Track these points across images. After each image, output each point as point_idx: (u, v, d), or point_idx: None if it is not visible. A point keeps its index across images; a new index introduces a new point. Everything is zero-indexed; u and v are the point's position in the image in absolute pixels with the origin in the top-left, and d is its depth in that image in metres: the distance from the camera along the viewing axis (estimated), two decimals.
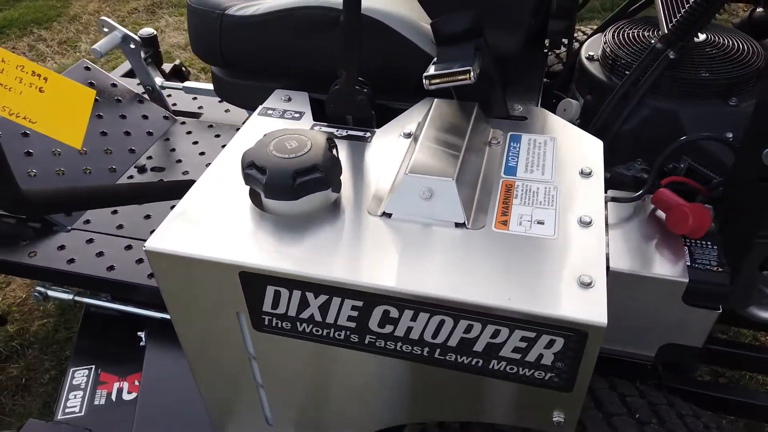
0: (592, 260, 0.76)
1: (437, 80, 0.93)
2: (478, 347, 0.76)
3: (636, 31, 1.30)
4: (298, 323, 0.82)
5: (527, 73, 1.41)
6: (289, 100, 1.11)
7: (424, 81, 0.93)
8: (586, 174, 0.91)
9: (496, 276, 0.75)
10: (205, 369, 0.98)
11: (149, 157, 1.96)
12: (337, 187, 0.89)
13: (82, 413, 1.53)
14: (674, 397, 1.09)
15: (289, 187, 0.81)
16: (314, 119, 1.06)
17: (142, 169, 1.90)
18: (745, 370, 1.70)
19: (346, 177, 0.92)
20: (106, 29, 2.03)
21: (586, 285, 0.73)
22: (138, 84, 2.17)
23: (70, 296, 1.68)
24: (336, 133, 1.02)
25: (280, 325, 0.84)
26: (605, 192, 1.06)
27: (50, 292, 1.70)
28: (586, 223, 0.82)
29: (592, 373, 0.75)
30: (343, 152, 0.98)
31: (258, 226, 0.84)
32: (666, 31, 1.12)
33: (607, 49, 1.28)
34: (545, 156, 0.95)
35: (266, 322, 0.84)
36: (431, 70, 0.93)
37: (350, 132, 1.02)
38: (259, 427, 1.03)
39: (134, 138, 1.99)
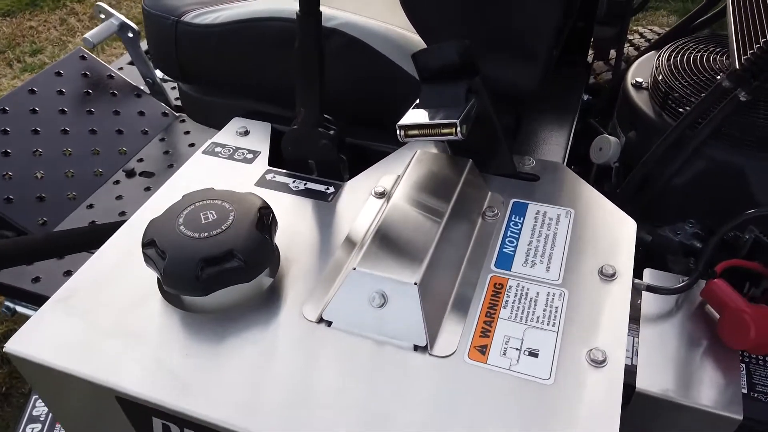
0: (601, 423, 0.53)
1: (414, 132, 0.69)
2: None
3: (698, 55, 1.03)
4: None
5: (557, 97, 1.15)
6: (246, 133, 0.90)
7: (398, 132, 0.69)
8: (607, 276, 0.66)
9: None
10: None
11: (140, 160, 1.78)
12: (272, 272, 0.68)
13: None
14: None
15: (192, 279, 0.60)
16: (271, 161, 0.85)
17: (130, 173, 1.73)
18: None
19: (290, 252, 0.71)
20: (102, 15, 1.85)
21: None
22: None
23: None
24: (291, 186, 0.80)
25: None
26: (638, 277, 0.81)
27: (18, 308, 1.56)
28: (598, 362, 0.58)
29: None
30: (294, 214, 0.76)
31: (157, 328, 0.63)
32: (737, 66, 0.84)
33: (659, 77, 1.02)
34: (555, 240, 0.70)
35: None
36: (407, 117, 0.70)
37: (309, 186, 0.80)
38: None
39: (127, 137, 1.81)
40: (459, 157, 0.77)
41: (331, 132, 0.80)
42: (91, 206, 1.62)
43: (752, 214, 0.82)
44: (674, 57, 1.03)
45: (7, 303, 1.56)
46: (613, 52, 1.51)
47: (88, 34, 1.77)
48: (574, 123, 1.15)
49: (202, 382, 0.58)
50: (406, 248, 0.63)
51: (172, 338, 0.62)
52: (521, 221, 0.73)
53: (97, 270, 0.69)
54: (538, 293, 0.64)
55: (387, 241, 0.65)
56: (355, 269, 0.61)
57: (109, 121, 1.80)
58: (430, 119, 0.68)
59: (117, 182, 1.71)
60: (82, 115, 1.78)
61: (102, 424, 0.65)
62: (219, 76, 1.00)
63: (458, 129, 0.67)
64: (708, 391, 0.72)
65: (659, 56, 1.06)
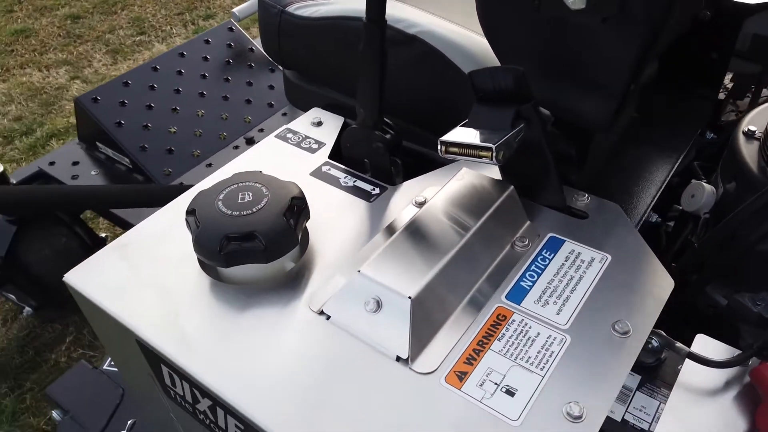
0: None
1: (455, 149, 0.69)
2: None
3: None
4: (196, 412, 0.69)
5: (670, 130, 1.08)
6: (320, 124, 0.95)
7: (438, 146, 0.70)
8: (619, 333, 0.62)
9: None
10: (145, 411, 0.89)
11: (261, 130, 1.92)
12: (295, 258, 0.73)
13: None
14: None
15: (216, 251, 0.66)
16: (333, 155, 0.89)
17: (249, 141, 1.87)
18: None
19: (319, 242, 0.75)
20: None
21: None
22: None
23: None
24: (342, 181, 0.84)
25: (183, 404, 0.71)
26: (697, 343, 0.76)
27: None
28: (574, 418, 0.56)
29: None
30: (335, 208, 0.80)
31: (185, 288, 0.71)
32: None
33: None
34: (578, 284, 0.68)
35: (172, 395, 0.72)
36: (451, 134, 0.70)
37: (357, 183, 0.83)
38: None
39: (254, 107, 1.96)
40: (503, 181, 0.76)
41: (387, 136, 0.82)
42: (209, 165, 1.78)
43: None
44: None
45: None
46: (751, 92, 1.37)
47: (236, 8, 1.93)
48: (678, 161, 1.08)
49: (206, 345, 0.64)
50: (417, 260, 0.65)
51: (195, 301, 0.69)
52: (551, 257, 0.71)
53: (153, 226, 0.78)
54: (539, 333, 0.63)
55: (401, 250, 0.66)
56: (359, 271, 0.64)
57: (241, 91, 1.96)
58: (470, 139, 0.68)
59: (236, 147, 1.86)
60: (220, 81, 1.95)
61: (129, 357, 0.74)
62: (313, 67, 1.06)
63: (494, 154, 0.66)
64: None
65: None
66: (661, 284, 0.67)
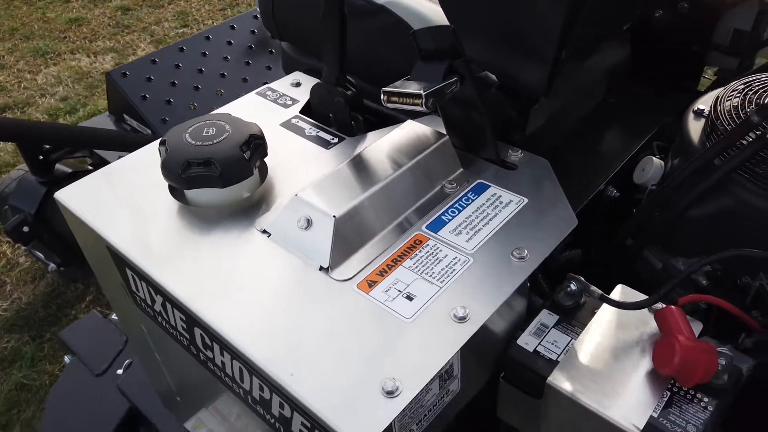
0: (422, 366, 0.60)
1: (394, 99, 0.78)
2: (275, 412, 0.66)
3: (762, 93, 0.96)
4: (155, 314, 0.80)
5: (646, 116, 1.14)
6: (298, 84, 1.05)
7: (381, 96, 0.79)
8: (518, 258, 0.70)
9: (305, 340, 0.63)
10: (125, 325, 1.01)
11: None
12: (254, 184, 0.83)
13: None
14: None
15: (178, 175, 0.77)
16: (304, 111, 0.99)
17: None
18: None
19: (276, 178, 0.85)
20: None
21: (388, 393, 0.58)
22: None
23: None
24: (306, 132, 0.94)
25: (147, 310, 0.82)
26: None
27: None
28: (458, 318, 0.64)
29: None
30: (295, 152, 0.90)
31: (150, 208, 0.82)
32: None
33: (715, 108, 0.97)
34: (492, 220, 0.76)
35: (138, 302, 0.83)
36: (393, 85, 0.80)
37: (320, 134, 0.93)
38: (171, 392, 1.05)
39: None
40: (440, 132, 0.85)
41: (348, 92, 0.92)
42: None
43: (732, 253, 0.78)
44: (737, 88, 0.98)
45: None
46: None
47: None
48: (642, 143, 1.13)
49: (164, 252, 0.75)
50: (348, 189, 0.74)
51: (160, 218, 0.80)
52: (474, 198, 0.79)
53: (136, 160, 0.90)
54: (446, 255, 0.71)
55: (337, 181, 0.76)
56: (296, 195, 0.74)
57: (260, 74, 2.09)
58: (406, 89, 0.77)
59: None
60: (241, 64, 2.09)
61: (105, 268, 0.85)
62: (304, 38, 1.16)
63: (423, 101, 0.75)
64: (617, 403, 0.73)
65: (728, 87, 1.01)
66: (565, 223, 0.74)
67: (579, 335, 0.80)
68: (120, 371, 1.51)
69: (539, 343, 0.80)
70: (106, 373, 1.57)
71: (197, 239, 0.76)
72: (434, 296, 0.66)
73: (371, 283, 0.68)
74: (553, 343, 0.80)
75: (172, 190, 0.84)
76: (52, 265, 2.05)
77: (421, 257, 0.71)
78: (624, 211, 1.15)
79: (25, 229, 1.95)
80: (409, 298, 0.66)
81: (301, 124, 0.96)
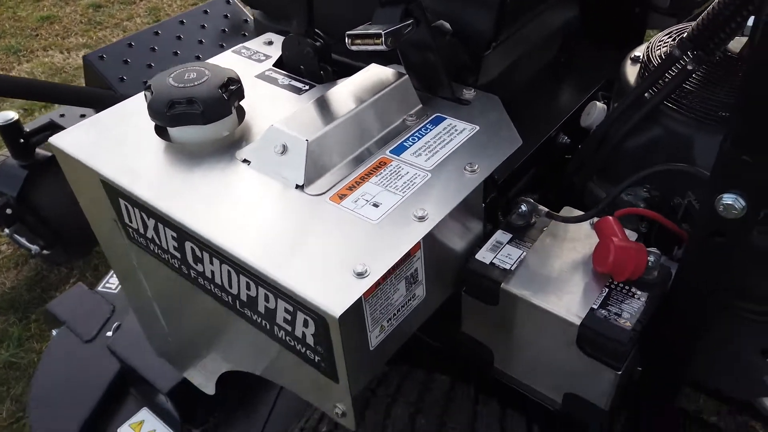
0: (386, 252, 0.69)
1: (358, 41, 0.88)
2: (260, 308, 0.74)
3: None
4: (147, 242, 0.88)
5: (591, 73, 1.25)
6: (270, 43, 1.14)
7: (346, 39, 0.89)
8: (470, 171, 0.80)
9: (285, 241, 0.72)
10: (118, 273, 1.09)
11: None
12: (233, 124, 0.91)
13: (116, 291, 1.78)
14: None
15: (163, 114, 0.85)
16: (277, 65, 1.08)
17: None
18: None
19: (256, 118, 0.94)
20: None
21: (359, 274, 0.67)
22: None
23: None
24: (280, 81, 1.03)
25: (139, 241, 0.90)
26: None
27: None
28: (418, 218, 0.73)
29: (354, 367, 0.69)
30: (270, 97, 0.99)
31: (139, 146, 0.90)
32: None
33: (649, 52, 1.08)
34: (448, 144, 0.85)
35: (131, 235, 0.91)
36: (356, 29, 0.89)
37: (292, 82, 1.02)
38: (164, 335, 1.12)
39: None
40: (400, 72, 0.94)
41: (317, 43, 1.01)
42: None
43: (662, 167, 0.89)
44: (668, 35, 1.09)
45: None
46: None
47: None
48: (590, 95, 1.24)
49: (153, 179, 0.83)
50: (318, 120, 0.83)
51: (148, 152, 0.88)
52: (432, 128, 0.89)
53: (122, 109, 0.98)
54: (408, 172, 0.81)
55: (309, 113, 0.85)
56: (272, 126, 0.82)
57: None
58: (366, 30, 0.86)
59: None
60: (215, 47, 2.16)
61: (97, 205, 0.93)
62: (274, 4, 1.24)
63: (383, 39, 0.84)
64: (562, 299, 0.83)
65: (660, 34, 1.12)
66: (510, 143, 0.84)
67: (530, 249, 0.90)
68: (110, 333, 1.58)
69: (495, 257, 0.90)
70: (95, 339, 1.63)
71: (184, 169, 0.84)
72: (397, 203, 0.76)
73: (342, 196, 0.78)
74: (507, 256, 0.90)
75: (158, 130, 0.92)
76: (35, 248, 2.10)
77: (385, 175, 0.80)
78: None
79: (8, 211, 2.00)
80: (375, 205, 0.76)
81: (275, 75, 1.04)
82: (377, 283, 0.67)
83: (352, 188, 0.79)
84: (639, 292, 0.83)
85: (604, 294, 0.84)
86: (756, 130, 0.64)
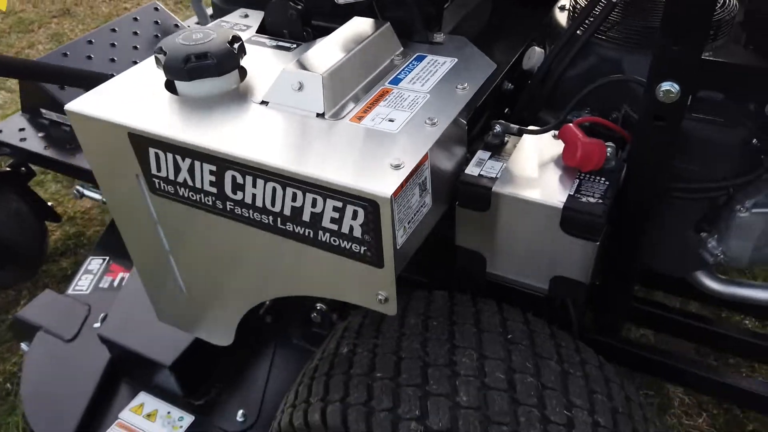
0: (413, 149, 0.83)
1: None
2: (305, 216, 0.85)
3: None
4: (177, 187, 0.96)
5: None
6: (246, 16, 1.24)
7: None
8: (461, 89, 0.96)
9: (325, 153, 0.84)
10: (130, 236, 1.14)
11: None
12: (238, 79, 1.01)
13: (88, 292, 1.78)
14: (562, 332, 1.11)
15: (181, 69, 0.94)
16: (260, 31, 1.19)
17: None
18: (669, 333, 1.58)
19: (255, 75, 1.04)
20: None
21: (395, 167, 0.80)
22: None
23: (101, 197, 1.94)
24: (267, 44, 1.14)
25: (166, 189, 0.97)
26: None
27: (86, 191, 1.97)
28: (431, 123, 0.88)
29: (402, 252, 0.82)
30: (265, 57, 1.09)
31: (158, 102, 0.98)
32: None
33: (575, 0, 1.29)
34: (436, 73, 1.00)
35: (158, 186, 0.98)
36: None
37: (279, 44, 1.13)
38: (176, 295, 1.18)
39: None
40: (381, 21, 1.08)
41: (299, 6, 1.13)
42: None
43: (604, 80, 1.09)
44: None
45: (77, 187, 1.98)
46: None
47: None
48: (527, 43, 1.43)
49: (183, 123, 0.91)
50: (324, 60, 0.95)
51: (170, 106, 0.96)
52: (418, 63, 1.03)
53: (127, 78, 1.05)
54: (410, 95, 0.95)
55: (313, 57, 0.97)
56: (285, 68, 0.94)
57: None
58: None
59: None
60: (150, 52, 2.19)
61: (119, 166, 0.99)
62: None
63: None
64: (545, 192, 1.00)
65: None
66: (488, 66, 1.01)
67: (508, 160, 1.07)
68: (97, 324, 1.59)
69: (481, 170, 1.05)
70: (77, 337, 1.63)
71: (208, 115, 0.94)
72: (409, 118, 0.90)
73: (360, 118, 0.90)
74: (491, 168, 1.06)
75: (171, 89, 1.00)
76: None
77: (391, 99, 0.94)
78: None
79: None
80: (391, 120, 0.89)
81: (261, 40, 1.15)
82: (407, 178, 0.80)
83: (366, 111, 0.92)
84: (602, 179, 1.01)
85: (577, 183, 1.01)
86: (676, 17, 0.84)
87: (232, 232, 0.96)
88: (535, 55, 1.33)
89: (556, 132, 1.08)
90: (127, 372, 1.56)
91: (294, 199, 0.84)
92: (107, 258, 1.88)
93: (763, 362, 1.45)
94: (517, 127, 1.10)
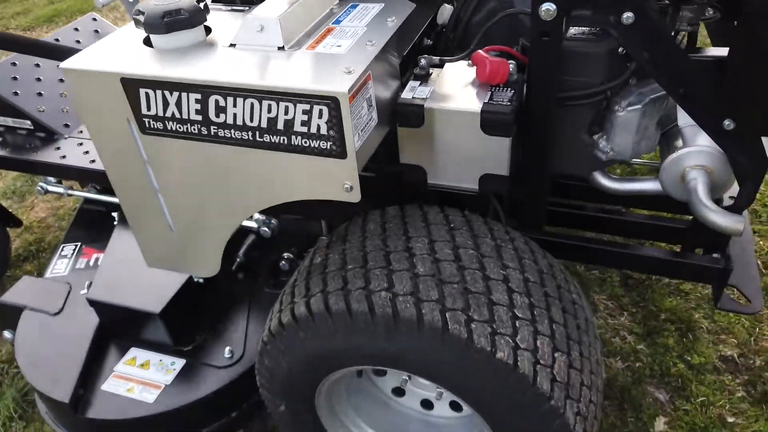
0: (360, 60, 1.06)
1: None
2: (280, 125, 1.07)
3: None
4: (166, 122, 1.15)
5: None
6: None
7: None
8: (390, 20, 1.20)
9: (291, 70, 1.06)
10: (120, 183, 1.31)
11: None
12: (204, 33, 1.22)
13: (66, 273, 1.90)
14: (495, 223, 1.36)
15: (159, 24, 1.14)
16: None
17: None
18: (582, 228, 1.83)
19: (218, 30, 1.25)
20: None
21: (348, 72, 1.03)
22: None
23: (63, 190, 2.07)
24: (223, 9, 1.35)
25: (155, 126, 1.16)
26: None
27: (49, 187, 2.09)
28: (371, 44, 1.11)
29: (360, 153, 1.05)
30: (224, 18, 1.30)
31: (142, 54, 1.17)
32: None
33: None
34: (369, 14, 1.25)
35: (148, 125, 1.17)
36: None
37: (233, 8, 1.35)
38: (165, 234, 1.36)
39: None
40: None
41: None
42: None
43: (505, 12, 1.36)
44: None
45: (41, 184, 2.10)
46: None
47: None
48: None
49: (168, 63, 1.11)
50: (280, 8, 1.17)
51: (155, 55, 1.16)
52: (353, 9, 1.27)
53: (113, 39, 1.24)
54: (351, 29, 1.19)
55: (270, 6, 1.19)
56: (247, 16, 1.15)
57: None
58: None
59: None
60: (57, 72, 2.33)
61: (108, 109, 1.17)
62: None
63: None
64: (465, 102, 1.25)
65: None
66: (409, 7, 1.26)
67: (434, 85, 1.32)
68: (84, 291, 1.72)
69: (413, 95, 1.30)
70: (63, 311, 1.76)
71: (185, 58, 1.14)
72: (353, 43, 1.13)
73: (313, 47, 1.13)
74: (421, 92, 1.30)
75: (149, 44, 1.19)
76: None
77: (336, 33, 1.17)
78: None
79: None
80: (339, 46, 1.12)
81: (217, 6, 1.36)
82: (358, 88, 1.03)
83: (317, 42, 1.15)
84: (509, 89, 1.28)
85: (490, 94, 1.27)
86: None
87: (217, 155, 1.15)
88: (446, 10, 1.60)
89: (471, 62, 1.34)
90: (116, 332, 1.70)
91: (269, 110, 1.05)
92: (79, 243, 2.00)
93: (660, 240, 1.75)
94: (439, 58, 1.36)
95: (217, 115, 1.10)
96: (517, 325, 1.15)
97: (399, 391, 1.59)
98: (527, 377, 1.11)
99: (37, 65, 2.21)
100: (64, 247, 2.00)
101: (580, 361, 1.21)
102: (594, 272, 2.20)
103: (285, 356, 1.31)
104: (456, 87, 1.31)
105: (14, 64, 2.17)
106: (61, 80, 2.21)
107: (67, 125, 2.11)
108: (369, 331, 1.17)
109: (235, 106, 1.08)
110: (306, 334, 1.24)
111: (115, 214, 1.95)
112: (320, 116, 1.03)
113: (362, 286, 1.19)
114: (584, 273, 2.20)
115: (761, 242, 2.24)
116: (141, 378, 1.60)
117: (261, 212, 1.78)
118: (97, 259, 1.93)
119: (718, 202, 1.37)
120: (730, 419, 1.72)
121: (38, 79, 2.17)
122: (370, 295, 1.17)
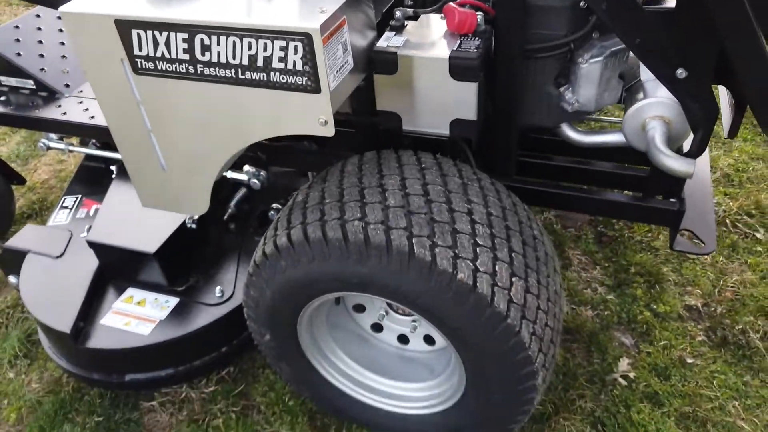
0: (333, 1, 1.16)
1: None
2: (260, 62, 1.17)
3: None
4: (156, 62, 1.25)
5: None
6: None
7: None
8: None
9: (269, 10, 1.16)
10: (116, 124, 1.42)
11: None
12: None
13: (67, 222, 2.01)
14: (464, 165, 1.46)
15: None
16: None
17: None
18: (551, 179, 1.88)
19: None
20: None
21: (321, 12, 1.13)
22: None
23: (65, 146, 2.17)
24: None
25: (147, 66, 1.26)
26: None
27: (51, 144, 2.19)
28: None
29: (335, 93, 1.15)
30: None
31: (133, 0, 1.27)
32: None
33: None
34: None
35: (140, 65, 1.27)
36: None
37: None
38: (158, 174, 1.47)
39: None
40: None
41: None
42: None
43: None
44: None
45: (43, 140, 2.20)
46: None
47: None
48: None
49: (153, 8, 1.21)
50: None
51: (140, 1, 1.26)
52: None
53: None
54: None
55: None
56: None
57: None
58: None
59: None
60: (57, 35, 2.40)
61: (105, 50, 1.27)
62: None
63: None
64: (436, 50, 1.35)
65: None
66: None
67: (408, 36, 1.42)
68: (84, 234, 1.83)
69: (387, 44, 1.40)
70: (64, 254, 1.87)
71: (172, 3, 1.24)
72: None
73: None
74: (396, 41, 1.40)
75: None
76: None
77: None
78: None
79: None
80: None
81: None
82: (332, 30, 1.13)
83: None
84: (476, 38, 1.38)
85: (458, 42, 1.37)
86: None
87: (203, 94, 1.26)
88: None
89: (443, 15, 1.44)
90: (114, 273, 1.81)
91: (250, 47, 1.16)
92: (80, 196, 2.11)
93: (623, 188, 1.85)
94: (413, 10, 1.45)
95: (203, 54, 1.20)
96: (478, 251, 1.25)
97: (377, 327, 1.70)
98: (485, 297, 1.21)
99: (39, 28, 2.31)
100: (65, 199, 2.11)
101: (537, 288, 1.32)
102: (570, 230, 2.31)
103: (269, 285, 1.42)
104: (428, 37, 1.41)
105: (17, 27, 2.27)
106: (62, 43, 2.31)
107: (67, 85, 2.21)
108: (343, 257, 1.28)
109: (218, 44, 1.18)
110: (287, 262, 1.35)
111: (113, 167, 2.05)
112: (296, 52, 1.13)
113: (338, 217, 1.30)
114: (560, 231, 2.31)
115: (731, 203, 2.34)
116: (137, 314, 1.71)
117: (251, 165, 1.89)
118: (96, 210, 2.04)
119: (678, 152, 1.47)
120: (690, 360, 1.83)
121: (40, 42, 2.27)
122: (344, 224, 1.27)
